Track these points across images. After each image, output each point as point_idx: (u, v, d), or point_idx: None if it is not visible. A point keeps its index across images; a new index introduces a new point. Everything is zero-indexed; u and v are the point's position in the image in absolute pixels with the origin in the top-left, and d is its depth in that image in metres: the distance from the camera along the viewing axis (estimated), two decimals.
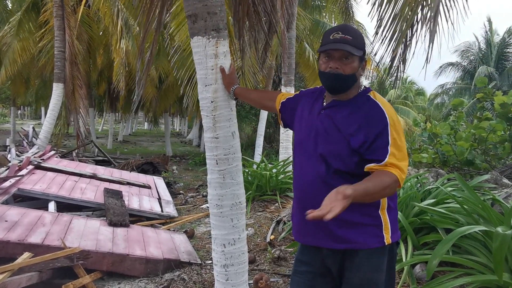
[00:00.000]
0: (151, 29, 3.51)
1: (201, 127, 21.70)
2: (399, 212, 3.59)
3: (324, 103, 1.81)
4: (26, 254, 3.42)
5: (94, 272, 3.73)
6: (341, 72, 1.68)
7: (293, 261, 1.96)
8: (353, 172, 1.69)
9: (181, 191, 8.42)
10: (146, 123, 42.45)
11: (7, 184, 5.23)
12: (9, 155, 7.99)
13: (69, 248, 3.66)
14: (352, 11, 12.63)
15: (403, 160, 1.64)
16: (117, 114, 23.49)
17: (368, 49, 12.72)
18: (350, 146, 1.66)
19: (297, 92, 2.06)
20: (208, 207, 6.73)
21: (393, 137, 1.64)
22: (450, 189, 4.09)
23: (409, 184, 4.39)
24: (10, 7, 15.78)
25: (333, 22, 13.95)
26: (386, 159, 1.61)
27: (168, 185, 8.38)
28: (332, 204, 1.39)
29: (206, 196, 7.56)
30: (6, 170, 5.93)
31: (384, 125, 1.65)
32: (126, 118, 27.10)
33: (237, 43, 3.35)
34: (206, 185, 2.71)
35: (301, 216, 1.74)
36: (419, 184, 4.65)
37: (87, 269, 3.66)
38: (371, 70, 13.28)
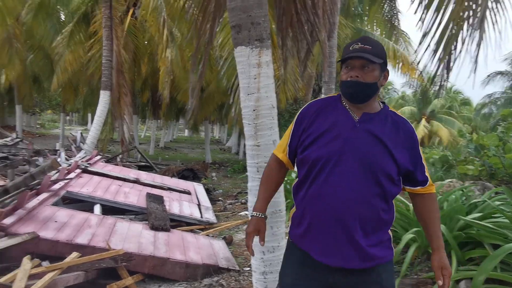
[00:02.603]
0: (203, 41, 3.63)
1: (240, 135, 21.94)
2: (442, 225, 3.52)
3: (355, 117, 1.75)
4: (74, 254, 3.58)
5: (136, 274, 3.84)
6: (361, 80, 1.69)
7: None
8: (391, 193, 1.73)
9: (220, 198, 8.52)
10: (186, 130, 43.28)
11: (57, 186, 5.49)
12: (59, 159, 8.38)
13: (114, 250, 3.80)
14: (398, 20, 12.45)
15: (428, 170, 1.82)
16: (159, 121, 24.14)
17: (412, 57, 12.39)
18: (397, 162, 1.70)
19: (295, 120, 1.88)
20: (246, 214, 6.78)
21: (421, 151, 1.79)
22: (498, 203, 3.93)
23: (453, 197, 4.25)
24: (63, 19, 16.62)
25: (375, 30, 13.77)
26: (427, 178, 1.79)
27: (208, 191, 8.51)
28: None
29: (244, 203, 7.61)
30: (56, 173, 6.22)
31: (416, 140, 1.78)
32: (167, 125, 27.82)
33: (280, 52, 3.39)
34: (245, 192, 2.74)
35: (331, 236, 1.70)
36: (464, 197, 4.50)
37: (129, 271, 3.78)
38: (415, 79, 13.00)
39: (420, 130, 27.72)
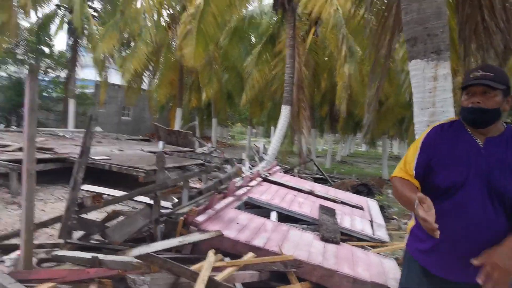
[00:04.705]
0: (381, 55, 3.63)
1: None
2: None
3: (479, 142, 1.81)
4: (250, 254, 3.93)
5: (304, 281, 3.99)
6: (482, 106, 1.73)
7: None
8: None
9: (394, 217, 8.15)
10: (363, 144, 42.65)
11: (240, 192, 6.12)
12: (243, 168, 9.30)
13: (284, 255, 4.03)
14: None
15: None
16: (336, 134, 24.45)
17: None
18: None
19: (421, 144, 1.89)
20: None
21: None
22: None
23: None
24: (254, 41, 18.45)
25: None
26: None
27: (381, 208, 8.23)
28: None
29: None
30: (240, 180, 6.93)
31: None
32: (344, 139, 27.93)
33: (462, 63, 3.13)
34: None
35: (458, 255, 1.80)
36: None
37: (298, 277, 3.95)
38: None
39: None
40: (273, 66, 13.79)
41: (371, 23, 3.56)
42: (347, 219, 6.21)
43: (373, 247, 5.56)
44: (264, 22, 16.78)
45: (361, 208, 7.28)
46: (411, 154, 1.92)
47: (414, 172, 1.87)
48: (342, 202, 7.29)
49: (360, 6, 5.69)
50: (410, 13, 2.52)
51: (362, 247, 5.43)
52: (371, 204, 7.95)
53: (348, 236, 5.69)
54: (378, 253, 5.20)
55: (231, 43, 16.35)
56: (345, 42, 10.09)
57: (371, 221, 6.59)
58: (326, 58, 15.22)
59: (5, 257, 3.88)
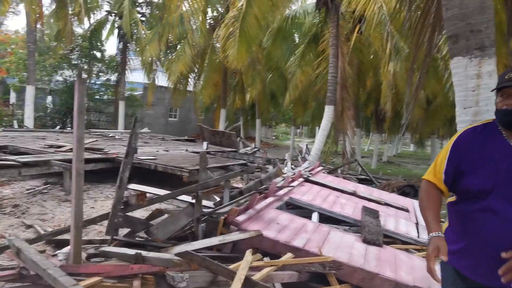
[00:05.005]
0: (421, 52, 3.53)
1: None
2: None
3: None
4: (289, 254, 3.94)
5: (344, 283, 3.94)
6: None
7: None
8: None
9: (442, 219, 7.84)
10: (412, 144, 41.36)
11: (281, 192, 6.13)
12: (285, 168, 9.29)
13: (323, 256, 4.00)
14: None
15: None
16: (382, 134, 23.89)
17: None
18: None
19: (451, 147, 1.85)
20: None
21: None
22: None
23: None
24: (297, 41, 18.39)
25: None
26: None
27: None
28: None
29: None
30: (282, 180, 6.93)
31: None
32: (391, 139, 27.22)
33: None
34: None
35: (488, 259, 1.75)
36: None
37: (338, 279, 3.91)
38: None
39: None
40: (316, 66, 13.68)
41: (412, 19, 3.46)
42: (391, 221, 6.06)
43: (418, 250, 5.39)
44: (307, 22, 16.67)
45: (407, 210, 7.08)
46: (442, 157, 1.90)
47: (443, 175, 1.87)
48: (386, 204, 7.12)
49: (404, 2, 5.55)
50: (452, 9, 2.43)
51: (406, 250, 5.29)
52: (417, 206, 7.70)
53: (391, 239, 5.55)
54: (422, 257, 5.04)
55: (274, 44, 16.37)
56: (390, 40, 9.83)
57: (416, 224, 6.39)
58: (371, 57, 14.92)
59: (58, 252, 4.11)
